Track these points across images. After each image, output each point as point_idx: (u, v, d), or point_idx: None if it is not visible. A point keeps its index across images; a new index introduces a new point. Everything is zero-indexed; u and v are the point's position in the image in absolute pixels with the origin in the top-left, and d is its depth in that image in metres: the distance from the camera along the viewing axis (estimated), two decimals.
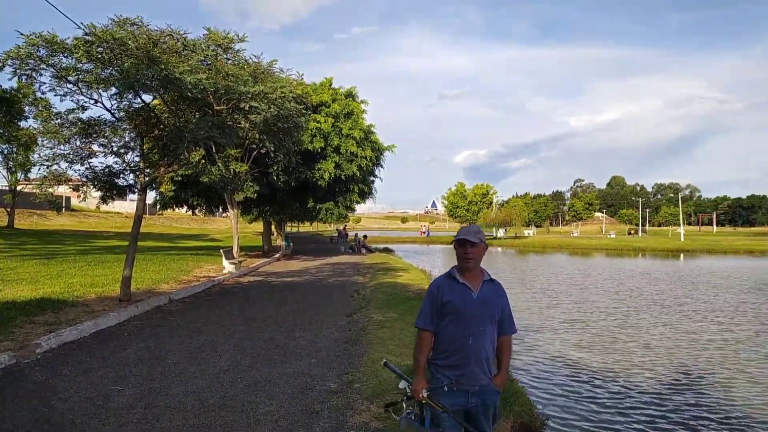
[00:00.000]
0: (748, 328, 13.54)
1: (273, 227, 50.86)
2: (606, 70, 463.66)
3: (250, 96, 9.85)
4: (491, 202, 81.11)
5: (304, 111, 12.86)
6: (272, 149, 13.00)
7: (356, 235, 39.74)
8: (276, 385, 6.23)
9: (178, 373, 6.70)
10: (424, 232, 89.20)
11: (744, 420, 7.27)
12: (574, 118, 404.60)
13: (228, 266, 19.42)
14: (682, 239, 66.26)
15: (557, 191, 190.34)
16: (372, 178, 30.43)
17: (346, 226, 56.04)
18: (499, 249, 59.43)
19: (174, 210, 36.03)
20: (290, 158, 16.07)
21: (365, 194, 30.02)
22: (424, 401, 3.20)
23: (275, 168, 22.48)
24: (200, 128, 9.49)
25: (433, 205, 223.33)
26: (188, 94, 9.72)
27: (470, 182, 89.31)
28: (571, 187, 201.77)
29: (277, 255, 28.53)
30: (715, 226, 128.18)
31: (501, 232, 76.42)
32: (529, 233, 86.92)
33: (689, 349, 11.26)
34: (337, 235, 53.54)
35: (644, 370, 9.66)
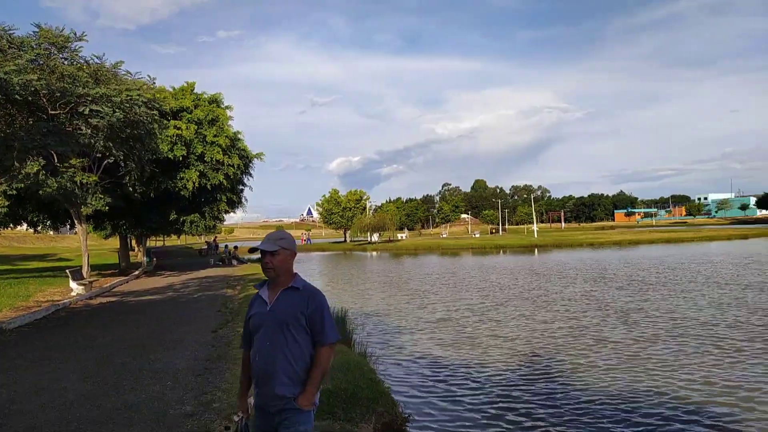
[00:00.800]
0: (592, 315, 15.13)
1: (133, 242, 47.00)
2: (465, 81, 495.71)
3: (90, 99, 8.96)
4: (365, 208, 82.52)
5: (156, 117, 12.00)
6: (121, 157, 11.97)
7: (226, 246, 38.11)
8: (126, 416, 5.70)
9: (10, 413, 5.86)
10: (305, 240, 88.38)
11: (586, 403, 8.07)
12: (439, 126, 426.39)
13: (76, 288, 17.55)
14: (536, 236, 72.71)
15: (427, 195, 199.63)
16: (241, 186, 29.44)
17: (216, 237, 53.60)
18: (374, 253, 60.65)
19: (12, 228, 31.81)
20: (143, 167, 14.89)
21: (234, 204, 28.97)
22: (238, 423, 3.09)
23: (130, 178, 20.81)
24: (32, 136, 8.43)
25: (309, 212, 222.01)
26: (16, 96, 8.60)
27: (345, 189, 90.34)
28: (440, 191, 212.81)
29: (136, 272, 26.41)
30: (563, 223, 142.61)
31: (375, 237, 78.03)
32: (402, 236, 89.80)
33: (542, 339, 12.28)
34: (206, 247, 50.98)
35: (502, 362, 10.35)
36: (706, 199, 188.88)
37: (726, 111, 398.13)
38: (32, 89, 8.26)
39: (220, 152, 24.74)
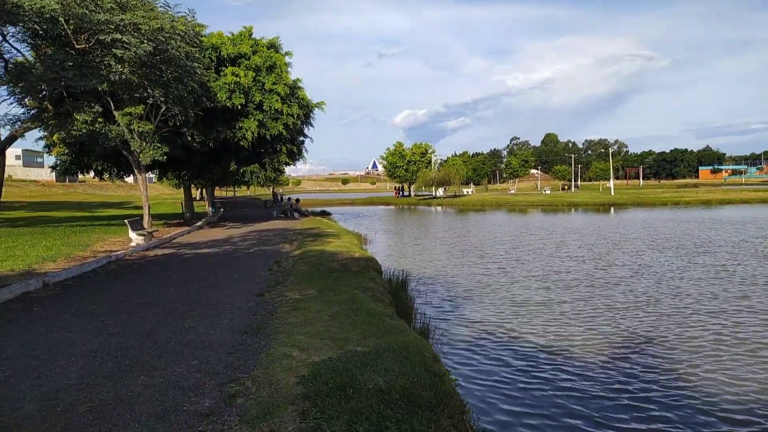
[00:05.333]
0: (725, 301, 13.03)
1: (203, 192, 47.81)
2: (537, 29, 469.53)
3: (113, 27, 7.76)
4: (430, 162, 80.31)
5: (197, 54, 10.77)
6: (160, 98, 10.89)
7: (289, 198, 37.65)
8: (130, 407, 4.63)
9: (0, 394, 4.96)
10: (399, 193, 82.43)
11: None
12: (509, 78, 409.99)
13: (135, 238, 17.23)
14: (612, 193, 68.16)
15: (495, 149, 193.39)
16: (301, 138, 28.42)
17: (273, 188, 53.58)
18: (439, 208, 59.03)
19: (84, 175, 32.49)
20: (187, 110, 13.82)
21: (294, 155, 28.04)
22: None
23: (189, 128, 20.08)
24: (50, 67, 7.37)
25: (374, 165, 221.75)
26: (35, 26, 7.52)
27: (410, 142, 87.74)
28: (508, 145, 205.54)
29: (199, 223, 26.26)
30: (641, 180, 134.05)
31: (440, 192, 76.10)
32: (468, 191, 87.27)
33: (669, 332, 10.45)
34: (272, 199, 51.17)
35: (603, 354, 8.70)
36: None
37: None
38: (47, 16, 7.13)
39: (279, 101, 23.58)
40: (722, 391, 6.77)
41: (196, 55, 10.59)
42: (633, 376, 7.13)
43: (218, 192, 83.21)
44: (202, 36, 19.58)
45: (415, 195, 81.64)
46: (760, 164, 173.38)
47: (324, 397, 4.56)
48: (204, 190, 38.15)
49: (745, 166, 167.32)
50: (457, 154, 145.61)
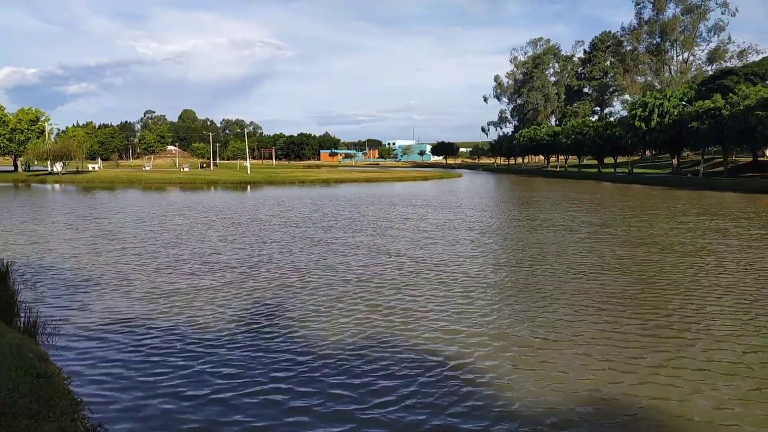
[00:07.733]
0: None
1: None
2: None
3: None
4: (43, 131, 67.93)
5: None
6: None
7: None
8: None
9: None
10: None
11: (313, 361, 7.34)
12: (140, 45, 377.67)
13: None
14: (249, 172, 71.72)
15: (126, 122, 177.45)
16: None
17: None
18: (57, 186, 50.85)
19: None
20: None
21: None
22: None
23: None
24: None
25: None
26: None
27: (16, 106, 72.30)
28: (142, 119, 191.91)
29: None
30: (274, 160, 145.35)
31: (58, 167, 65.50)
32: (94, 167, 77.90)
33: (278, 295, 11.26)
34: None
35: (232, 327, 8.97)
36: (394, 144, 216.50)
37: (412, 68, 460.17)
38: None
39: None
40: (317, 339, 7.98)
41: None
42: (248, 358, 7.67)
43: None
44: None
45: (24, 170, 68.04)
46: (365, 150, 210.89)
47: None
48: None
49: (355, 151, 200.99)
50: (81, 124, 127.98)
